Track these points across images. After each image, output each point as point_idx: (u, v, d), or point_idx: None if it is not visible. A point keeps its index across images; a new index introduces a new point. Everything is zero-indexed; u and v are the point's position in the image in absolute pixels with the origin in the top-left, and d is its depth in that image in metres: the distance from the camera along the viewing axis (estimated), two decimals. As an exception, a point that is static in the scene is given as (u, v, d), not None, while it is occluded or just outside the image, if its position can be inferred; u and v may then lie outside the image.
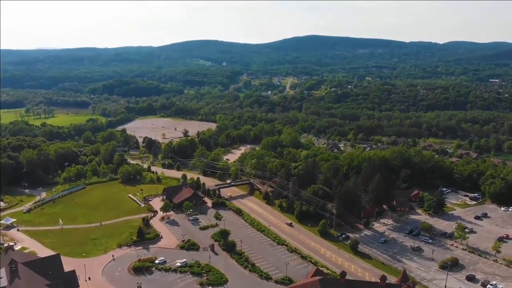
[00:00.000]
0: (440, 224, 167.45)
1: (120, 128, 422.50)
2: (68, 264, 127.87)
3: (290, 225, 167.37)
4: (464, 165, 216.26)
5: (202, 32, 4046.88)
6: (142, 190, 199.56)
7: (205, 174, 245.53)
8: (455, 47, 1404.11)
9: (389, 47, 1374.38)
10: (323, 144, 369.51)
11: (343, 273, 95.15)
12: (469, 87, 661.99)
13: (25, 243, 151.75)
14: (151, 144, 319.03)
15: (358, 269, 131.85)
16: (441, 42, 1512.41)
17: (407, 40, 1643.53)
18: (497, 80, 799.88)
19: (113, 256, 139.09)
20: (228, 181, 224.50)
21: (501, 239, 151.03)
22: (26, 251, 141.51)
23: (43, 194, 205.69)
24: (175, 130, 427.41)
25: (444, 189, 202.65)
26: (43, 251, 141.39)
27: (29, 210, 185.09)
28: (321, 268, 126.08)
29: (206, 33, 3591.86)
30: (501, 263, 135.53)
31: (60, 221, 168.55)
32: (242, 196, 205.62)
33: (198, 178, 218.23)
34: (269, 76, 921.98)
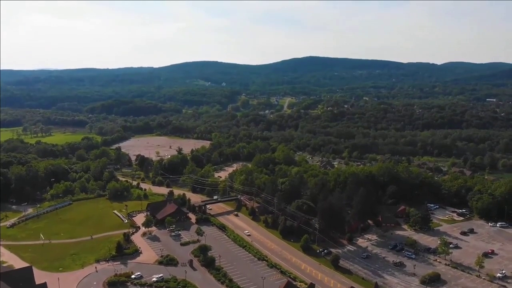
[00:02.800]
0: (425, 240, 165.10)
1: (115, 146, 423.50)
2: (44, 278, 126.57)
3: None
4: (452, 181, 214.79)
5: (202, 53, 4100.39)
6: (126, 206, 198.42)
7: (194, 190, 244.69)
8: (452, 67, 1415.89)
9: (387, 68, 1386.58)
10: (317, 162, 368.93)
11: (312, 285, 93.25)
12: (465, 106, 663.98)
13: (4, 257, 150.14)
14: (143, 162, 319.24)
15: (337, 284, 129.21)
16: (439, 63, 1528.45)
17: (404, 61, 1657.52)
18: (494, 100, 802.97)
19: (96, 268, 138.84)
20: (215, 197, 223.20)
21: (486, 255, 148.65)
22: (4, 265, 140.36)
23: (29, 210, 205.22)
24: (170, 148, 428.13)
25: (432, 205, 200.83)
26: (21, 265, 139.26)
27: (12, 225, 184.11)
28: (300, 283, 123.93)
29: (206, 54, 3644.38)
30: (484, 278, 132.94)
31: (41, 236, 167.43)
32: (228, 212, 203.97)
33: (184, 194, 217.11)
34: (267, 96, 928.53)
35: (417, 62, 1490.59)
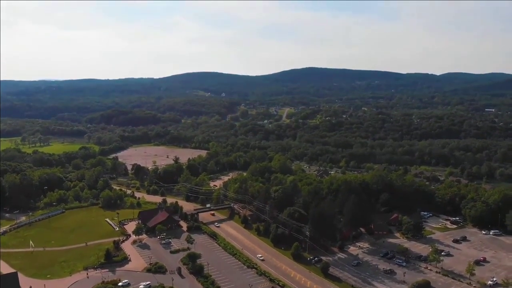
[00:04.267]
0: (417, 248, 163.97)
1: (112, 156, 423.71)
2: (31, 284, 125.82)
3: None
4: (445, 189, 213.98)
5: (202, 64, 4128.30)
6: (118, 214, 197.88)
7: (188, 199, 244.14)
8: (452, 78, 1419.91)
9: (386, 79, 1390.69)
10: (314, 171, 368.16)
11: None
12: (463, 116, 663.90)
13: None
14: (139, 171, 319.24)
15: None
16: (438, 74, 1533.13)
17: (404, 72, 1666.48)
18: (493, 110, 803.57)
19: (87, 274, 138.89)
20: (208, 205, 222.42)
21: (477, 262, 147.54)
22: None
23: (22, 218, 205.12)
24: (167, 157, 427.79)
25: (425, 213, 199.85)
26: (8, 272, 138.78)
27: (4, 233, 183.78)
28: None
29: (207, 66, 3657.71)
30: (474, 286, 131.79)
31: (31, 243, 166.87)
32: (221, 221, 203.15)
33: (176, 202, 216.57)
34: (266, 106, 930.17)
35: (416, 73, 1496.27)
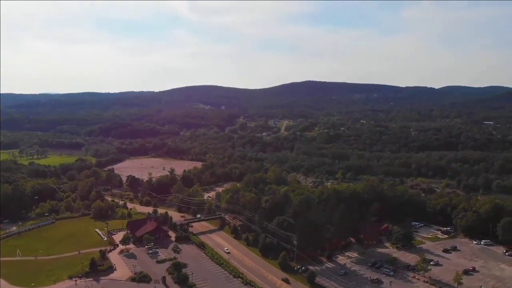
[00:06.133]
0: (406, 257, 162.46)
1: (109, 167, 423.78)
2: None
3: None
4: (437, 199, 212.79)
5: (203, 78, 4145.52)
6: (107, 224, 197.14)
7: (180, 210, 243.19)
8: (451, 91, 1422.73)
9: (385, 92, 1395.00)
10: (310, 183, 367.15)
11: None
12: (461, 128, 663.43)
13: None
14: (133, 182, 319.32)
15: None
16: (437, 87, 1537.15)
17: (403, 85, 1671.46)
18: (492, 123, 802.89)
19: (76, 282, 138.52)
20: (198, 215, 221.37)
21: (466, 272, 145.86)
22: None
23: (13, 228, 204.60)
24: (163, 169, 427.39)
25: (416, 223, 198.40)
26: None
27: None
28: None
29: (207, 79, 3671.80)
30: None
31: (18, 252, 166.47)
32: (211, 231, 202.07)
33: (166, 213, 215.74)
34: (265, 119, 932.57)
35: (415, 86, 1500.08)
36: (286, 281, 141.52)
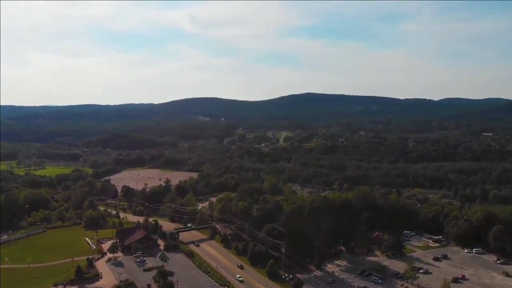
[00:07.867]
0: (396, 265, 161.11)
1: (105, 178, 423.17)
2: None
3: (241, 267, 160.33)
4: (429, 208, 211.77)
5: (202, 90, 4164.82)
6: (97, 232, 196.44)
7: (172, 219, 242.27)
8: (450, 103, 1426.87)
9: (384, 104, 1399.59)
10: (306, 193, 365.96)
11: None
12: (459, 139, 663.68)
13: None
14: (128, 193, 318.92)
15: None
16: (436, 99, 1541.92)
17: (402, 97, 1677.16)
18: (490, 134, 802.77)
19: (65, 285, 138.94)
20: (189, 224, 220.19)
21: (456, 280, 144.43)
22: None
23: (4, 236, 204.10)
24: (160, 180, 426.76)
25: (408, 232, 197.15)
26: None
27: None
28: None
29: (206, 91, 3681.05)
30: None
31: (6, 259, 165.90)
32: (202, 240, 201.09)
33: (156, 221, 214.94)
34: (264, 130, 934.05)
35: (414, 98, 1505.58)
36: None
